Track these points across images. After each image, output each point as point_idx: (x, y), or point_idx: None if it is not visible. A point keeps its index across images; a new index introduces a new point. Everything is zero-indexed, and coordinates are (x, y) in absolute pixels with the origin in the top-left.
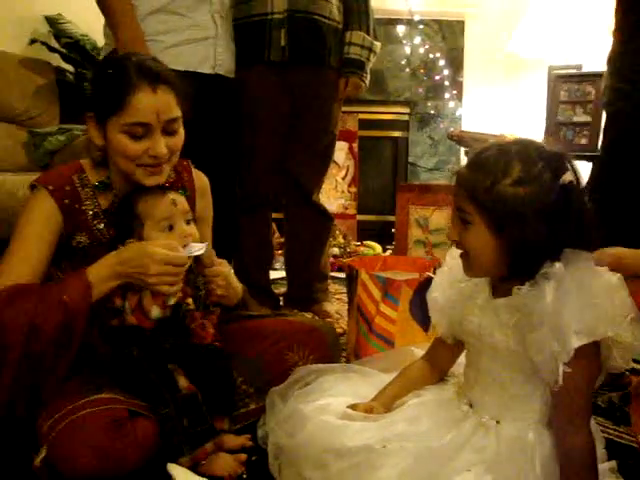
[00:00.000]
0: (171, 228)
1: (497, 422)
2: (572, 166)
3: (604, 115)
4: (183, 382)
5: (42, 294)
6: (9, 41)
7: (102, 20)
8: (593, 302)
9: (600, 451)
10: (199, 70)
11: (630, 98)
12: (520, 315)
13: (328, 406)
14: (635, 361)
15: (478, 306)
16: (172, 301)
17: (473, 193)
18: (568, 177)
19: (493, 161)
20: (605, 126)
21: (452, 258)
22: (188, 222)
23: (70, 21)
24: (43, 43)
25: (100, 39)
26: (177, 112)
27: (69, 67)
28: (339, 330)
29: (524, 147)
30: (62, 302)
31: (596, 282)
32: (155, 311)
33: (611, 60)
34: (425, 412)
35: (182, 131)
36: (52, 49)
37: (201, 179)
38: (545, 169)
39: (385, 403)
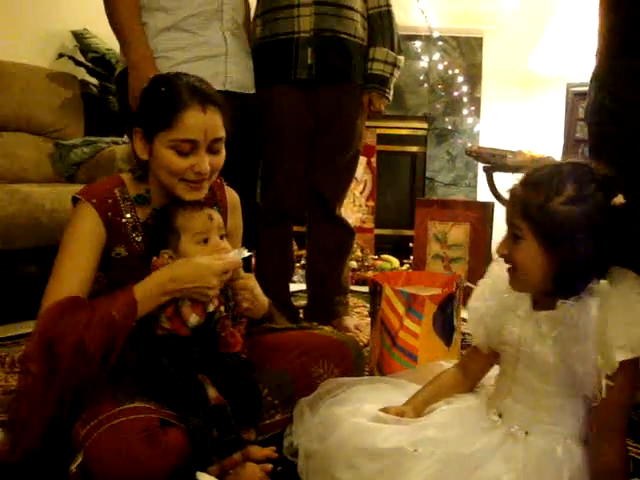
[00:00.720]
0: (206, 242)
1: (526, 433)
2: (623, 189)
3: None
4: (212, 392)
5: (91, 310)
6: (37, 55)
7: None
8: (638, 320)
9: None
10: None
11: (622, 121)
12: (563, 328)
13: (360, 409)
14: None
15: (519, 317)
16: (211, 308)
17: (526, 210)
18: (620, 199)
19: (547, 179)
20: (592, 145)
21: (495, 270)
22: (221, 237)
23: (96, 36)
24: (70, 57)
25: None
26: (222, 132)
27: (94, 80)
28: (360, 344)
29: (577, 167)
30: (109, 320)
31: None
32: (194, 319)
33: (598, 76)
34: (455, 419)
35: (224, 151)
36: (78, 63)
37: (233, 196)
38: (597, 190)
39: (416, 408)
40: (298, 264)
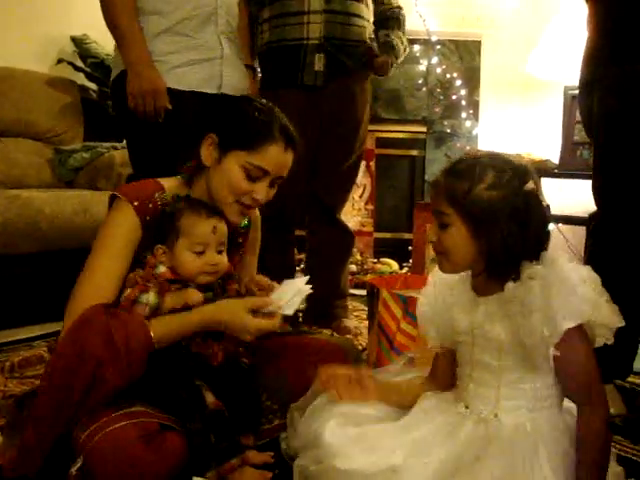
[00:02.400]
0: (202, 253)
1: (495, 415)
2: (533, 177)
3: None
4: (210, 398)
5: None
6: (36, 61)
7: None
8: (575, 290)
9: (617, 469)
10: (204, 90)
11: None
12: (510, 306)
13: (343, 417)
14: None
15: (466, 306)
16: None
17: (453, 197)
18: (531, 185)
19: (469, 169)
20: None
21: (435, 276)
22: (220, 252)
23: (95, 41)
24: (69, 63)
25: None
26: (287, 172)
27: (93, 86)
28: (359, 347)
29: (494, 158)
30: (126, 351)
31: (574, 274)
32: None
33: (593, 82)
34: (427, 419)
35: (277, 187)
36: (77, 68)
37: (256, 212)
38: (513, 177)
39: (380, 394)
40: (298, 268)
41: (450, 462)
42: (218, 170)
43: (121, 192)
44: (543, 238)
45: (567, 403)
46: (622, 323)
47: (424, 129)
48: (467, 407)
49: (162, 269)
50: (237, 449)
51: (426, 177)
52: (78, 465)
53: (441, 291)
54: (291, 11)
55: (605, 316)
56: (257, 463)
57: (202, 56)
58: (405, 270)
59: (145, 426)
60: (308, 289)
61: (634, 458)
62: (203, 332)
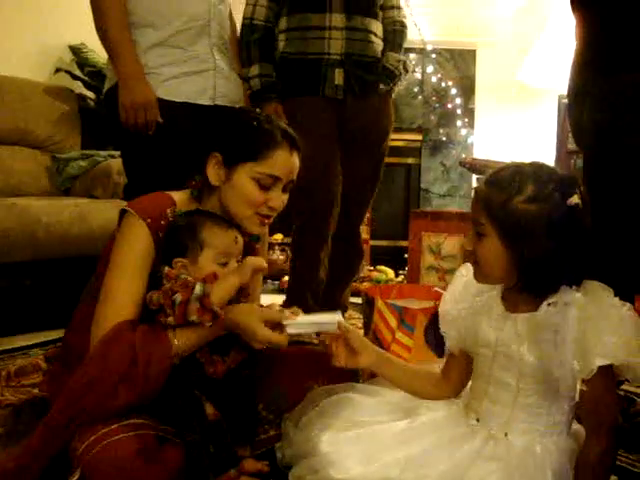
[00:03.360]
0: (225, 265)
1: (505, 434)
2: (580, 190)
3: None
4: (209, 409)
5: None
6: (35, 70)
7: None
8: (615, 330)
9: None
10: (197, 102)
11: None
12: (543, 331)
13: (339, 424)
14: None
15: (494, 319)
16: None
17: (489, 207)
18: (575, 199)
19: (509, 179)
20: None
21: (462, 274)
22: (238, 261)
23: (93, 50)
24: (67, 72)
25: None
26: (296, 176)
27: (91, 94)
28: None
29: (537, 168)
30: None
31: (614, 312)
32: None
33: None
34: (434, 430)
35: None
36: (75, 77)
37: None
38: (555, 190)
39: (375, 356)
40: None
41: (450, 477)
42: (229, 187)
43: (134, 208)
44: (586, 259)
45: (575, 426)
46: None
47: (420, 137)
48: (478, 420)
49: (187, 278)
50: (234, 460)
51: (422, 185)
52: (76, 477)
53: (468, 294)
54: (311, 25)
55: (638, 362)
56: (252, 471)
57: (195, 68)
58: (401, 278)
59: (144, 438)
60: (333, 327)
61: (629, 467)
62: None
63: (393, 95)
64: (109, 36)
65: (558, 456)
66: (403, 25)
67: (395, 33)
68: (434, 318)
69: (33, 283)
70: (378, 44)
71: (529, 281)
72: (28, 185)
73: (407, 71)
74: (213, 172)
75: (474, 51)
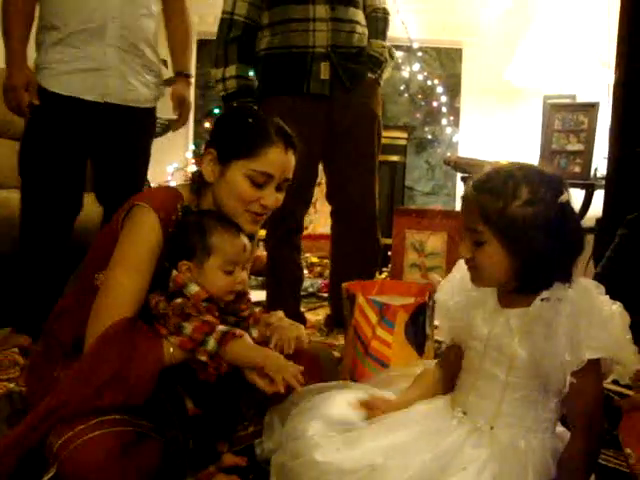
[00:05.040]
0: (231, 273)
1: (491, 428)
2: (566, 186)
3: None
4: (189, 405)
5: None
6: None
7: None
8: (605, 325)
9: None
10: (84, 97)
11: None
12: (535, 325)
13: (330, 420)
14: (623, 385)
15: (487, 313)
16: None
17: (487, 215)
18: (565, 197)
19: (502, 185)
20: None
21: (462, 267)
22: (243, 268)
23: None
24: None
25: None
26: (292, 174)
27: None
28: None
29: (527, 171)
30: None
31: (605, 307)
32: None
33: None
34: (420, 421)
35: (285, 190)
36: None
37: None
38: (547, 190)
39: (402, 406)
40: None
41: (434, 466)
42: (223, 183)
43: (147, 201)
44: (577, 248)
45: (559, 428)
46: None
47: (405, 135)
48: (465, 413)
49: (195, 288)
50: (214, 456)
51: (406, 183)
52: (51, 474)
53: (465, 287)
54: (295, 17)
55: (626, 357)
56: (230, 465)
57: (86, 66)
58: (384, 275)
59: (121, 435)
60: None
61: (603, 463)
62: None
63: (381, 83)
64: (10, 33)
65: (541, 453)
66: (385, 12)
67: (377, 20)
68: (415, 314)
69: (14, 276)
70: (363, 33)
71: (527, 280)
72: (8, 178)
73: (392, 57)
74: (208, 168)
75: (460, 50)
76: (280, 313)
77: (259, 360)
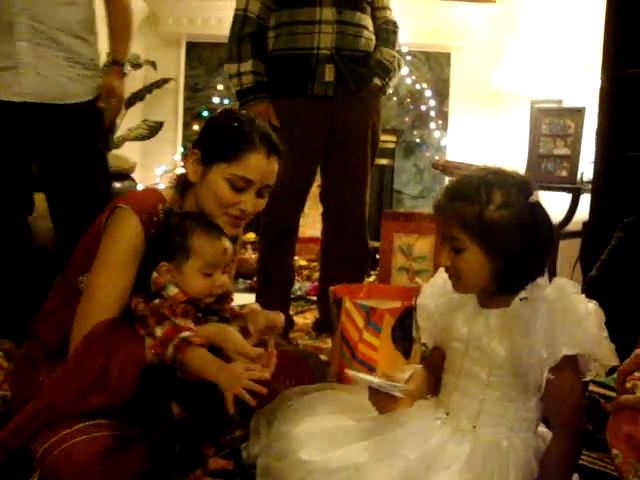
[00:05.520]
0: (210, 275)
1: (473, 427)
2: (535, 187)
3: None
4: (175, 408)
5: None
6: None
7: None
8: (580, 322)
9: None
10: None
11: None
12: (514, 322)
13: (316, 423)
14: (609, 388)
15: (468, 314)
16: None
17: (464, 222)
18: (535, 197)
19: (475, 190)
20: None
21: (444, 272)
22: (224, 271)
23: None
24: None
25: None
26: (274, 180)
27: None
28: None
29: (498, 175)
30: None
31: (582, 306)
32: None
33: None
34: (403, 422)
35: (267, 197)
36: None
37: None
38: (519, 192)
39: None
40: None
41: (418, 465)
42: (204, 184)
43: (128, 203)
44: (550, 244)
45: (541, 428)
46: (617, 362)
47: (393, 139)
48: (447, 414)
49: (174, 290)
50: (200, 459)
51: (395, 186)
52: (35, 479)
53: (447, 290)
54: (301, 20)
55: (602, 353)
56: (217, 469)
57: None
58: (372, 278)
59: (105, 441)
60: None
61: (589, 465)
62: None
63: (389, 91)
64: None
65: (524, 452)
66: (395, 26)
67: (388, 32)
68: (401, 318)
69: None
70: (370, 39)
71: (507, 281)
72: None
73: (400, 68)
74: (191, 168)
75: (449, 54)
76: (255, 305)
77: (210, 375)
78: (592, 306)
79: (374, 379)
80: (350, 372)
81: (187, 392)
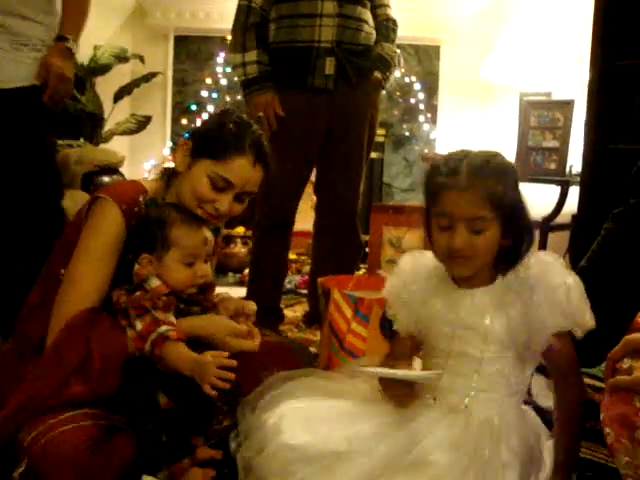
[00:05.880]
0: (191, 265)
1: (465, 406)
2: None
3: None
4: (162, 399)
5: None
6: None
7: (83, 35)
8: (564, 288)
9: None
10: None
11: None
12: (505, 297)
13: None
14: (597, 378)
15: (450, 298)
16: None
17: (496, 199)
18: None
19: (499, 169)
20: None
21: (407, 261)
22: (206, 261)
23: None
24: None
25: (80, 54)
26: (256, 189)
27: None
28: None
29: (499, 155)
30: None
31: (568, 280)
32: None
33: None
34: (382, 414)
35: (246, 203)
36: None
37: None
38: (515, 171)
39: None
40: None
41: (404, 445)
42: (187, 175)
43: (109, 194)
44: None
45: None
46: (594, 325)
47: (383, 132)
48: (435, 399)
49: (156, 282)
50: (188, 450)
51: (384, 179)
52: (22, 469)
53: (419, 277)
54: (302, 12)
55: (585, 319)
56: (205, 459)
57: None
58: (362, 271)
59: (92, 430)
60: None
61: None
62: None
63: (386, 86)
64: None
65: (517, 422)
66: (395, 24)
67: (389, 29)
68: None
69: None
70: (370, 33)
71: (511, 258)
72: None
73: (399, 65)
74: (180, 157)
75: (438, 47)
76: (226, 293)
77: (186, 370)
78: (572, 278)
79: (396, 371)
80: (362, 368)
81: (173, 382)
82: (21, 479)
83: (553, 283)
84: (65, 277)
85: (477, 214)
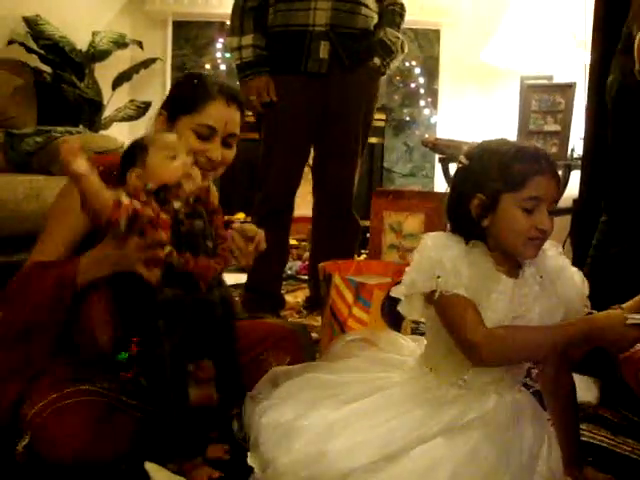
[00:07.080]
0: (174, 157)
1: (495, 389)
2: None
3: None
4: (193, 392)
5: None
6: None
7: (82, 22)
8: (579, 281)
9: None
10: None
11: None
12: (545, 280)
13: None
14: None
15: (502, 287)
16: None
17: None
18: None
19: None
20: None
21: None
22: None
23: (49, 22)
24: (21, 44)
25: (79, 40)
26: (238, 130)
27: (47, 68)
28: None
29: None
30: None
31: (572, 268)
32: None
33: None
34: (398, 400)
35: (235, 149)
36: (30, 50)
37: (215, 195)
38: None
39: None
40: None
41: (417, 426)
42: None
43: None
44: None
45: None
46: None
47: (383, 117)
48: (465, 381)
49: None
50: (203, 449)
51: (385, 164)
52: (25, 442)
53: (459, 255)
54: None
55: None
56: (214, 457)
57: None
58: (363, 257)
59: (93, 406)
60: None
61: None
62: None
63: (386, 72)
64: None
65: (537, 407)
66: (402, 8)
67: (394, 13)
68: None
69: None
70: (369, 16)
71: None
72: None
73: (404, 51)
74: (159, 128)
75: (438, 31)
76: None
77: (112, 266)
78: (576, 270)
79: None
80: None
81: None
82: (25, 452)
83: (567, 271)
84: (36, 243)
85: (555, 196)
